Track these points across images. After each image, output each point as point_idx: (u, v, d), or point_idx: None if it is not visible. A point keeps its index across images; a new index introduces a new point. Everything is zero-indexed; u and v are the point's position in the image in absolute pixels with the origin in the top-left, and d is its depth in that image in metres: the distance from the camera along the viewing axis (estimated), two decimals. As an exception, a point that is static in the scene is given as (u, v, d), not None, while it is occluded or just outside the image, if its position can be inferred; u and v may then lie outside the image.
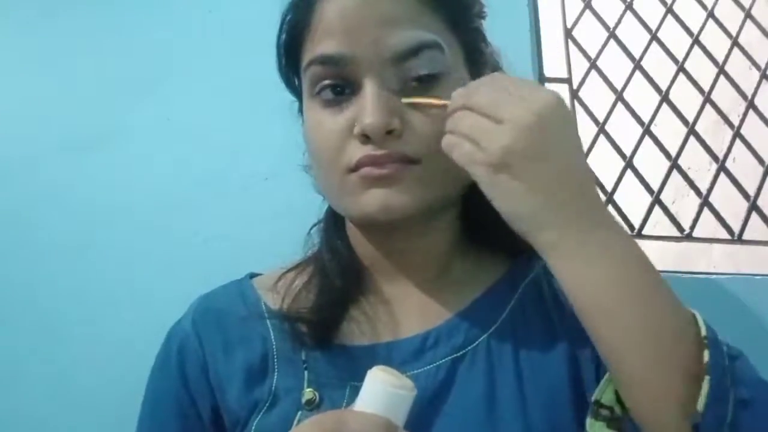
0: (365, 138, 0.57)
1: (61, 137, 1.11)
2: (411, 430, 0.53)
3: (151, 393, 0.67)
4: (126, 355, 1.01)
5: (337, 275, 0.64)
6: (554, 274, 0.50)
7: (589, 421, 0.50)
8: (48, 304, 1.05)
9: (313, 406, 0.59)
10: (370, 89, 0.57)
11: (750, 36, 1.42)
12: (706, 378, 0.45)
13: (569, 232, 0.49)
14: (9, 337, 1.04)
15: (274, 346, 0.63)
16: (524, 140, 0.48)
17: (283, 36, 0.64)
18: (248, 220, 1.07)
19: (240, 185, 1.09)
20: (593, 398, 0.51)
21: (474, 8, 0.65)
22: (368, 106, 0.56)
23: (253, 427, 0.60)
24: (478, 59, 0.66)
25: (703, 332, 0.48)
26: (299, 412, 0.59)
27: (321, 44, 0.59)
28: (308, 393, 0.59)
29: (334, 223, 0.68)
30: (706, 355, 0.46)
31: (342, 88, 0.59)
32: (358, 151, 0.57)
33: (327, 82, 0.59)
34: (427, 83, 0.59)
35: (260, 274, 0.72)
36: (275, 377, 0.62)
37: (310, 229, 0.71)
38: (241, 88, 1.10)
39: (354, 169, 0.58)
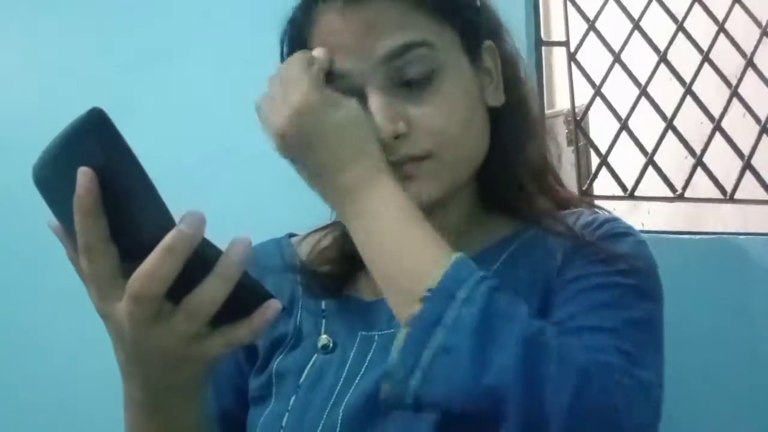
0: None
1: (75, 114, 1.16)
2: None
3: None
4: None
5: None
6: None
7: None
8: (65, 269, 1.12)
9: (327, 351, 0.67)
10: (372, 100, 0.62)
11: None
12: (405, 330, 0.52)
13: (339, 200, 0.61)
14: (31, 303, 1.12)
15: (300, 295, 0.71)
16: (284, 144, 0.61)
17: (286, 51, 0.70)
18: (253, 192, 1.12)
19: (245, 157, 1.14)
20: None
21: None
22: (376, 115, 0.61)
23: (275, 365, 0.68)
24: (476, 40, 0.69)
25: (432, 284, 0.53)
26: (315, 355, 0.67)
27: None
28: (324, 339, 0.67)
29: None
30: (416, 308, 0.52)
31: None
32: None
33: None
34: (420, 82, 0.63)
35: (298, 235, 0.78)
36: (298, 320, 0.69)
37: None
38: (243, 62, 1.14)
39: None
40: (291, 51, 0.68)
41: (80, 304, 1.12)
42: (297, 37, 0.68)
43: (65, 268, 1.12)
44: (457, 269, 0.54)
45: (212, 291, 0.47)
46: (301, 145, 0.60)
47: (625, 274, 0.62)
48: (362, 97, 0.63)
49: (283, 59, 0.70)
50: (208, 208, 1.18)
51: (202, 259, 0.46)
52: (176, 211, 1.23)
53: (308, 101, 0.59)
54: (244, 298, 0.49)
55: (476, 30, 0.68)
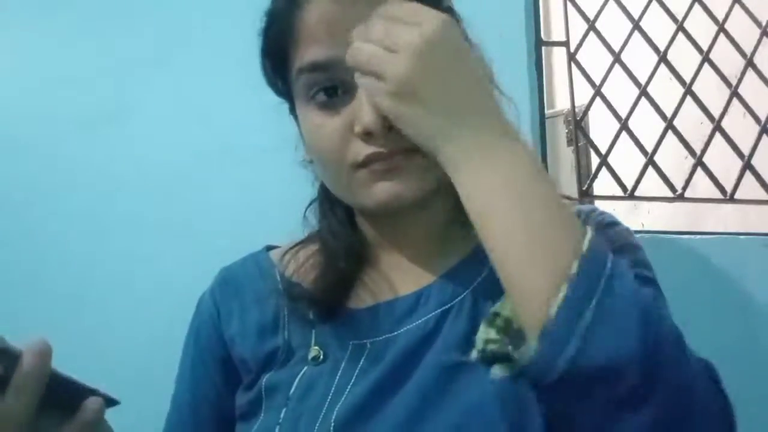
0: (367, 136, 0.61)
1: (75, 115, 1.18)
2: (400, 375, 0.60)
3: (183, 352, 0.75)
4: (136, 317, 1.10)
5: (341, 257, 0.68)
6: (455, 185, 0.55)
7: (482, 327, 0.54)
8: (65, 268, 1.13)
9: (318, 362, 0.66)
10: (363, 90, 0.61)
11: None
12: (564, 286, 0.48)
13: (465, 146, 0.53)
14: (34, 300, 1.13)
15: (285, 308, 0.69)
16: (418, 67, 0.52)
17: (266, 44, 0.67)
18: (251, 191, 1.12)
19: (242, 157, 1.15)
20: (492, 310, 0.56)
21: None
22: (365, 106, 0.60)
23: (265, 380, 0.67)
24: None
25: (584, 247, 0.50)
26: (305, 367, 0.66)
27: (308, 52, 0.62)
28: (314, 350, 0.66)
29: (330, 206, 0.72)
30: (574, 266, 0.49)
31: (335, 89, 0.62)
32: (363, 149, 0.61)
33: (320, 86, 0.62)
34: None
35: (277, 247, 0.77)
36: (286, 333, 0.68)
37: (305, 211, 0.75)
38: (242, 63, 1.14)
39: (361, 165, 0.61)
40: (274, 44, 0.66)
41: (78, 303, 1.13)
42: (280, 27, 0.64)
43: (64, 269, 1.14)
44: (598, 239, 0.52)
45: (15, 404, 0.46)
46: (437, 69, 0.52)
47: (627, 249, 0.63)
48: (353, 88, 0.62)
49: (263, 55, 0.67)
50: (206, 206, 1.20)
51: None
52: (178, 210, 1.23)
53: (444, 24, 0.52)
54: (66, 396, 0.49)
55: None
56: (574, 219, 0.53)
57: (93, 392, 0.49)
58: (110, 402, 0.50)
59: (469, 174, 0.53)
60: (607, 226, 0.66)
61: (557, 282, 0.49)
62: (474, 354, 0.53)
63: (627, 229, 0.67)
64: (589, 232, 0.51)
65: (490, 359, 0.53)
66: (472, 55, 0.55)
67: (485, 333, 0.53)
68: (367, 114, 0.59)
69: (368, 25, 0.55)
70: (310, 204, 0.74)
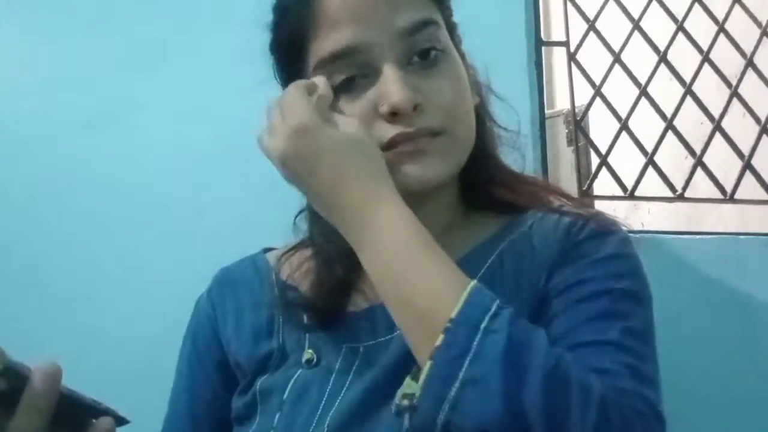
0: (394, 116, 0.61)
1: (75, 115, 1.18)
2: (393, 380, 0.59)
3: (180, 353, 0.75)
4: (136, 317, 1.10)
5: (337, 263, 0.67)
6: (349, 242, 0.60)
7: (406, 380, 0.54)
8: (65, 268, 1.13)
9: (311, 365, 0.66)
10: (391, 71, 0.61)
11: (751, -7, 1.41)
12: (428, 363, 0.50)
13: (344, 220, 0.59)
14: (35, 299, 1.13)
15: (280, 313, 0.69)
16: (286, 168, 0.60)
17: (278, 39, 0.67)
18: (251, 189, 1.12)
19: (242, 156, 1.14)
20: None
21: None
22: (393, 86, 0.60)
23: (259, 384, 0.67)
24: (455, 36, 0.70)
25: (453, 314, 0.51)
26: (299, 371, 0.66)
27: (331, 39, 0.62)
28: (308, 353, 0.66)
29: None
30: (439, 339, 0.51)
31: (354, 75, 0.63)
32: (388, 131, 0.61)
33: (342, 74, 0.62)
34: (431, 60, 0.63)
35: (274, 249, 0.77)
36: (281, 337, 0.69)
37: (294, 218, 0.74)
38: (244, 63, 1.14)
39: (386, 147, 0.61)
40: (287, 38, 0.65)
41: (78, 303, 1.13)
42: (295, 20, 0.64)
43: (64, 268, 1.14)
44: (476, 297, 0.53)
45: (25, 424, 0.46)
46: (302, 167, 0.58)
47: (616, 278, 0.61)
48: (376, 71, 0.62)
49: (274, 50, 0.68)
50: (206, 206, 1.20)
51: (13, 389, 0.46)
52: (178, 209, 1.23)
53: (305, 122, 0.58)
54: (77, 415, 0.49)
55: (453, 27, 0.70)
56: (452, 277, 0.55)
57: (103, 411, 0.49)
58: (120, 421, 0.50)
59: (353, 237, 0.58)
60: (598, 236, 0.64)
61: (427, 356, 0.51)
62: (393, 408, 0.54)
63: (617, 239, 0.65)
64: (467, 291, 0.53)
65: (402, 414, 0.53)
66: (337, 133, 0.60)
67: (407, 387, 0.53)
68: (395, 93, 0.60)
69: (267, 110, 0.63)
70: (299, 213, 0.75)
